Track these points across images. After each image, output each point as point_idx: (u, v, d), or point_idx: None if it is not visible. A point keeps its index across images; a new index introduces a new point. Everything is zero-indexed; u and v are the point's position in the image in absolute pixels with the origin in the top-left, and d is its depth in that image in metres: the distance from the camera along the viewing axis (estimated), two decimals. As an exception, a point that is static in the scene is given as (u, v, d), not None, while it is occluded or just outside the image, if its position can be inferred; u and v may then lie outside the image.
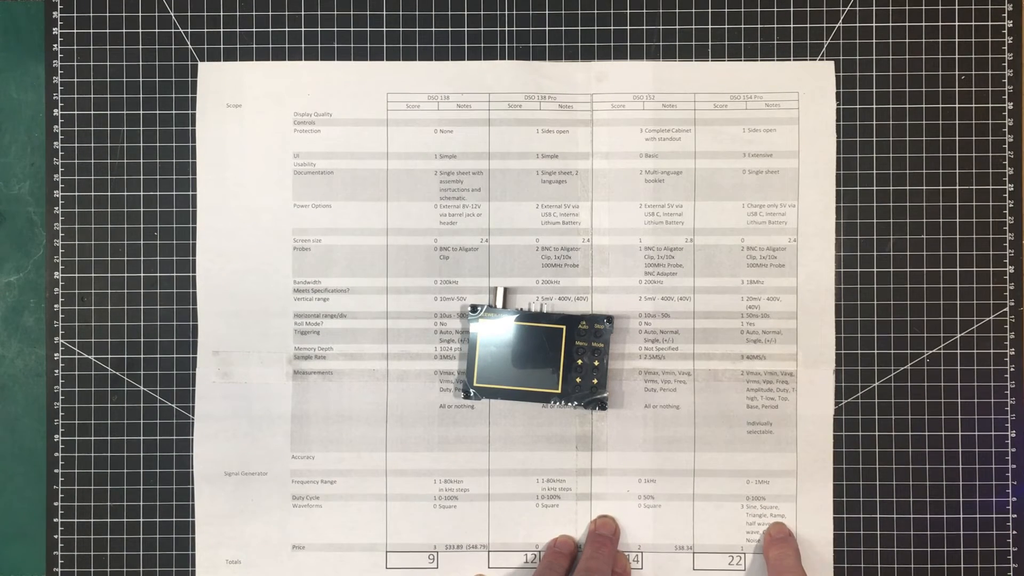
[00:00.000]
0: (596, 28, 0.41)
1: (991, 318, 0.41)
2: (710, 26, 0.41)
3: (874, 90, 0.41)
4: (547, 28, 0.41)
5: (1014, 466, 0.41)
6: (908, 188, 0.41)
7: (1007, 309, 0.41)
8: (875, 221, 0.41)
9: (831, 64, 0.41)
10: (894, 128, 0.41)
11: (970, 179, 0.41)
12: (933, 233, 0.41)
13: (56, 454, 0.41)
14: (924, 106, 0.41)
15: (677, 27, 0.41)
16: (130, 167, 0.42)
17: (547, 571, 0.39)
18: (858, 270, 0.41)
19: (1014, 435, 0.41)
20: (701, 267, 0.41)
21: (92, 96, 0.42)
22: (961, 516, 0.41)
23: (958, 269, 0.41)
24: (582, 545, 0.41)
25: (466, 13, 0.42)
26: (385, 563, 0.41)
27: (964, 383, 0.41)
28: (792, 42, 0.41)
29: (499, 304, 0.41)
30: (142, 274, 0.42)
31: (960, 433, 0.41)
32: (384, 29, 0.42)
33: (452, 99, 0.41)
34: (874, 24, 0.41)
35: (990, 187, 0.41)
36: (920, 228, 0.41)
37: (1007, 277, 0.41)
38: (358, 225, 0.41)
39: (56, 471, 0.41)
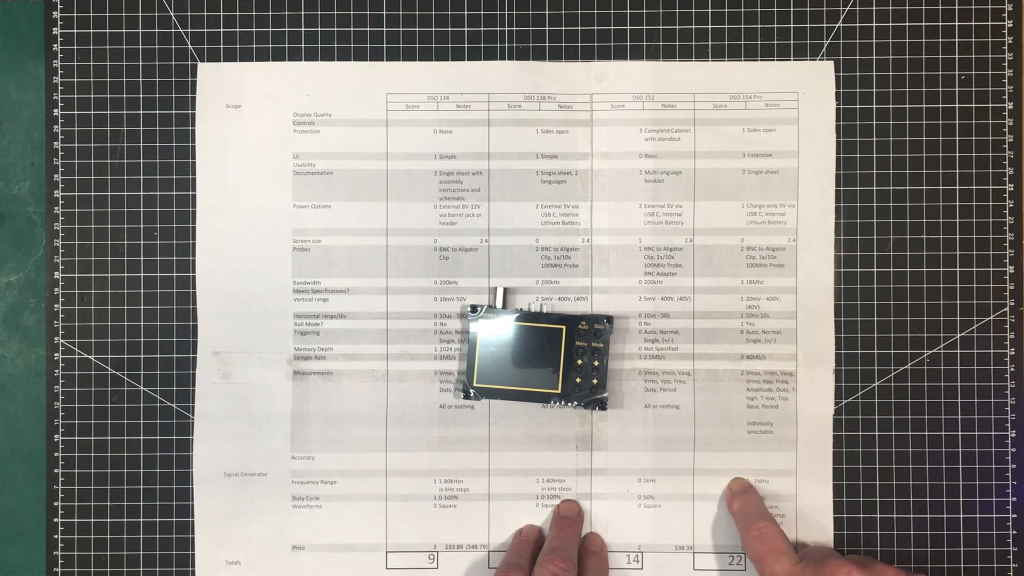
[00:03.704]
0: (596, 28, 0.41)
1: (991, 318, 0.41)
2: (710, 26, 0.41)
3: (874, 90, 0.41)
4: (547, 28, 0.41)
5: (1014, 466, 0.41)
6: (908, 188, 0.41)
7: (1007, 309, 0.41)
8: (875, 221, 0.41)
9: (831, 64, 0.41)
10: (894, 128, 0.41)
11: (970, 179, 0.41)
12: (933, 233, 0.41)
13: (56, 454, 0.41)
14: (924, 106, 0.41)
15: (677, 27, 0.41)
16: (130, 167, 0.42)
17: (513, 558, 0.39)
18: (858, 270, 0.41)
19: (1014, 435, 0.41)
20: (701, 267, 0.41)
21: (92, 96, 0.42)
22: (961, 516, 0.41)
23: (958, 269, 0.41)
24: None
25: (466, 13, 0.42)
26: (385, 563, 0.41)
27: (964, 383, 0.41)
28: (792, 42, 0.41)
29: (499, 304, 0.41)
30: (142, 274, 0.42)
31: (960, 433, 0.41)
32: (384, 29, 0.42)
33: (452, 99, 0.41)
34: (874, 24, 0.41)
35: (990, 187, 0.41)
36: (920, 228, 0.41)
37: (1007, 277, 0.41)
38: (358, 225, 0.41)
39: (56, 471, 0.41)
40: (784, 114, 0.41)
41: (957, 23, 0.41)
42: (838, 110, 0.41)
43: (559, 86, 0.41)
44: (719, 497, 0.41)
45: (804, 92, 0.41)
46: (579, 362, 0.41)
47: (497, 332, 0.41)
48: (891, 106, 0.41)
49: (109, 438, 0.41)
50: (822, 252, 0.41)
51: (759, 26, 0.41)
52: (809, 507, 0.41)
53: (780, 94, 0.41)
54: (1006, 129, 0.41)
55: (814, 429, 0.41)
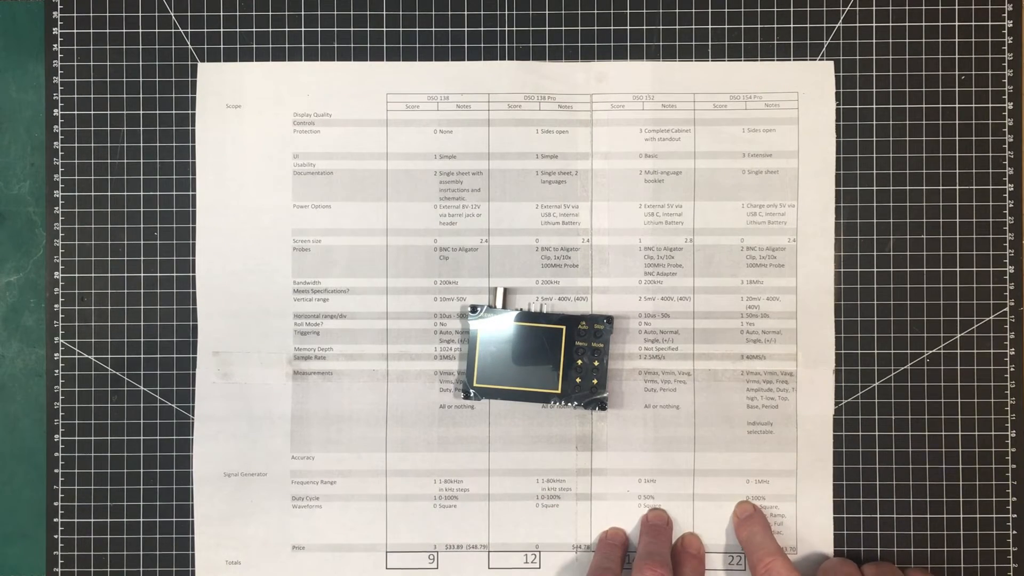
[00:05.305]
0: (596, 28, 0.41)
1: (991, 318, 0.41)
2: (710, 26, 0.41)
3: (874, 90, 0.41)
4: (547, 28, 0.41)
5: (1014, 466, 0.41)
6: (908, 188, 0.41)
7: (1007, 309, 0.41)
8: (875, 221, 0.41)
9: (831, 64, 0.41)
10: (894, 128, 0.41)
11: (970, 179, 0.41)
12: (933, 233, 0.41)
13: (56, 454, 0.41)
14: (924, 106, 0.41)
15: (677, 27, 0.41)
16: (130, 167, 0.42)
17: (604, 561, 0.39)
18: (858, 270, 0.41)
19: (1014, 435, 0.41)
20: (701, 267, 0.41)
21: (92, 96, 0.42)
22: (961, 516, 0.41)
23: (958, 269, 0.41)
24: (631, 539, 0.41)
25: (466, 13, 0.42)
26: (385, 563, 0.41)
27: (964, 383, 0.41)
28: (792, 42, 0.41)
29: (499, 304, 0.41)
30: (142, 274, 0.42)
31: (960, 433, 0.41)
32: (384, 29, 0.42)
33: (452, 99, 0.41)
34: (874, 24, 0.41)
35: (990, 187, 0.41)
36: (920, 228, 0.41)
37: (1007, 277, 0.41)
38: (358, 225, 0.41)
39: (56, 471, 0.41)
40: (784, 114, 0.41)
41: (957, 23, 0.41)
42: (838, 110, 0.41)
43: (559, 86, 0.41)
44: (719, 497, 0.41)
45: (804, 92, 0.41)
46: (579, 362, 0.41)
47: (497, 332, 0.41)
48: (891, 106, 0.41)
49: (109, 438, 0.41)
50: (822, 252, 0.41)
51: (759, 26, 0.41)
52: (809, 507, 0.41)
53: (780, 94, 0.41)
54: (1006, 129, 0.41)
55: (814, 429, 0.41)
